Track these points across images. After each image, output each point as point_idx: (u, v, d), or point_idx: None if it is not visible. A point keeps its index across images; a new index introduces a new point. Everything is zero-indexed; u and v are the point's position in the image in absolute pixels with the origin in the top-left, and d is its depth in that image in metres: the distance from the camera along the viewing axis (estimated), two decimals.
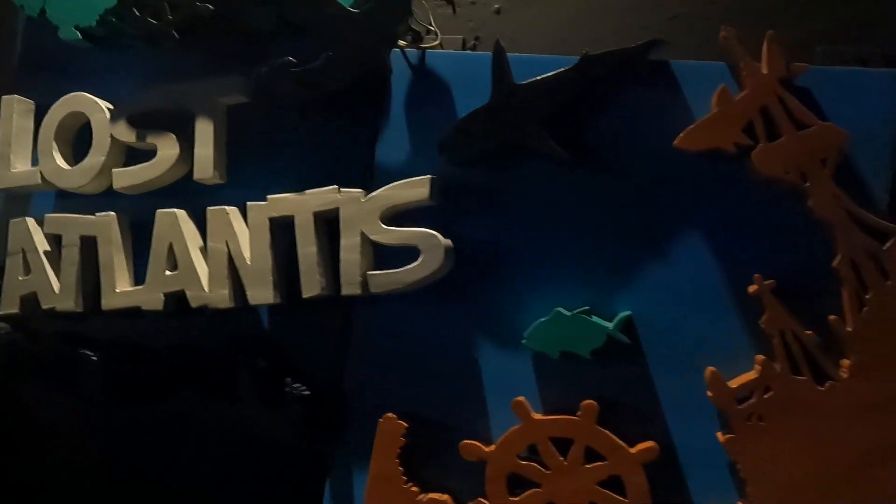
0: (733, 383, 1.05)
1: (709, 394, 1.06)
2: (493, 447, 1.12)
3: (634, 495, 1.07)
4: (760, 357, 1.04)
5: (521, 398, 1.12)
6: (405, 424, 1.16)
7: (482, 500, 1.12)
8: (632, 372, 1.11)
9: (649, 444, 1.08)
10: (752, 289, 1.05)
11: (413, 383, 1.19)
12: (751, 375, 1.05)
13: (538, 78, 1.12)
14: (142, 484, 1.28)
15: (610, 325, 1.08)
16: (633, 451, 1.07)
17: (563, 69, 1.11)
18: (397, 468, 1.15)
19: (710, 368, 1.06)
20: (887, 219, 1.01)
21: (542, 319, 1.11)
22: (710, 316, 1.08)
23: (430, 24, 1.25)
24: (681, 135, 1.06)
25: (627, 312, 1.11)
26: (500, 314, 1.16)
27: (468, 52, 1.27)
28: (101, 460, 1.30)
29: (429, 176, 1.14)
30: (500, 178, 1.17)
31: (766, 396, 1.03)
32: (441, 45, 1.24)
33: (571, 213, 1.14)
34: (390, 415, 1.16)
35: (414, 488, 1.15)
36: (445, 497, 1.15)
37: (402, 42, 1.21)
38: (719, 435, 1.06)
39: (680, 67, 1.11)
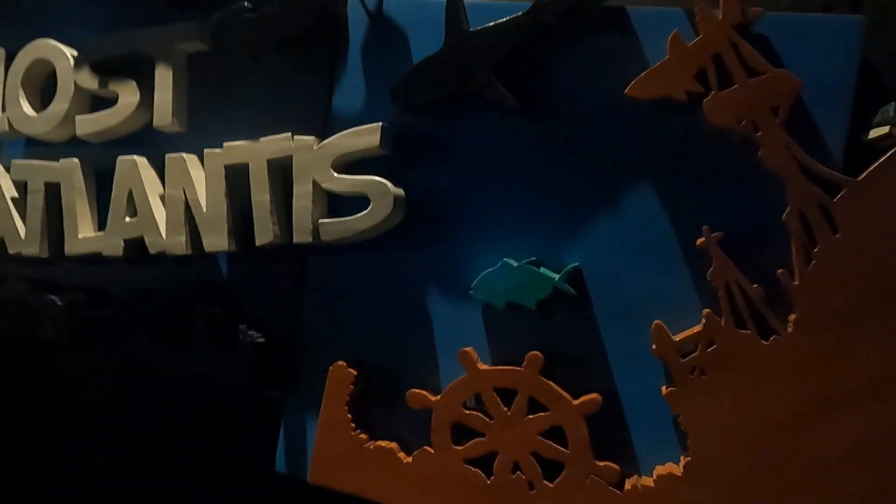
0: (678, 337, 1.04)
1: (653, 347, 1.04)
2: (438, 397, 1.12)
3: (575, 446, 1.06)
4: (707, 311, 1.02)
5: (467, 349, 1.12)
6: (354, 372, 1.16)
7: (428, 448, 1.13)
8: (578, 324, 1.10)
9: (592, 396, 1.07)
10: (699, 241, 1.03)
11: (364, 332, 1.20)
12: (695, 329, 1.03)
13: (490, 24, 1.10)
14: (100, 425, 1.31)
15: (556, 276, 1.07)
16: (575, 402, 1.07)
17: (515, 15, 1.09)
18: (346, 415, 1.16)
19: (657, 322, 1.04)
20: (840, 170, 0.98)
21: (490, 270, 1.10)
22: (659, 269, 1.06)
23: None
24: (632, 83, 1.04)
25: (575, 264, 1.10)
26: (450, 265, 1.15)
27: None
28: (62, 401, 1.33)
29: (379, 123, 1.13)
30: (452, 126, 1.15)
31: (709, 350, 1.02)
32: None
33: (522, 163, 1.12)
34: (340, 363, 1.17)
35: (362, 435, 1.16)
36: (393, 445, 1.16)
37: None
38: (663, 389, 1.05)
39: (636, 14, 1.07)
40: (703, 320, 1.02)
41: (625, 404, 1.09)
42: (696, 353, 1.02)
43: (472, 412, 1.11)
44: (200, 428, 1.28)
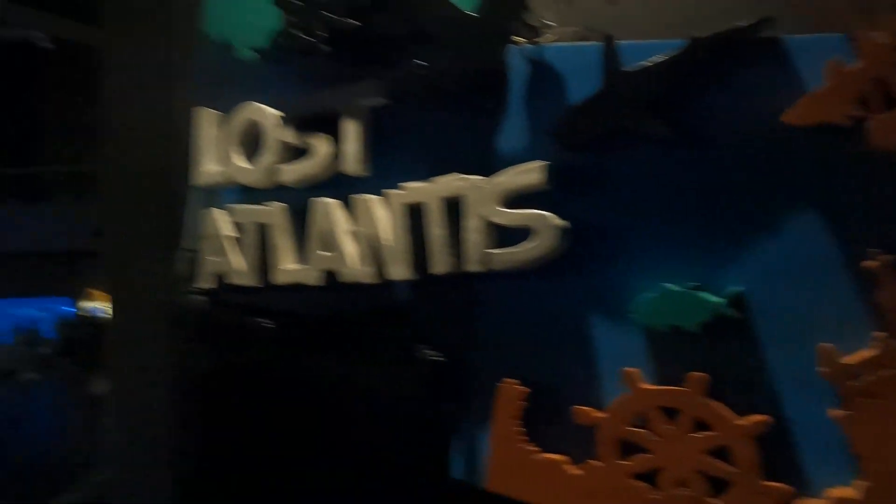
0: (847, 360, 1.04)
1: (821, 369, 1.06)
2: (604, 413, 1.20)
3: (743, 466, 1.10)
4: (880, 333, 1.03)
5: (631, 369, 1.19)
6: (524, 389, 1.27)
7: (594, 461, 1.21)
8: (742, 347, 1.13)
9: (760, 416, 1.10)
10: (869, 264, 1.03)
11: (530, 353, 1.30)
12: (867, 353, 1.03)
13: (646, 64, 1.17)
14: (298, 431, 1.51)
15: (718, 299, 1.12)
16: (741, 422, 1.10)
17: (670, 52, 1.15)
18: (517, 429, 1.27)
19: (824, 344, 1.06)
20: None
21: (651, 294, 1.17)
22: (823, 291, 1.08)
23: (545, 19, 1.34)
24: (790, 109, 1.07)
25: (739, 288, 1.13)
26: (610, 289, 1.23)
27: (581, 42, 1.34)
28: (267, 409, 1.55)
29: (542, 162, 1.24)
30: (611, 161, 1.23)
31: (882, 374, 1.01)
32: (555, 38, 1.33)
33: (680, 192, 1.18)
34: (510, 380, 1.28)
35: (532, 447, 1.26)
36: (561, 457, 1.25)
37: (518, 39, 1.31)
38: (833, 411, 1.06)
39: (789, 42, 1.10)
40: (874, 343, 1.02)
41: (790, 426, 1.10)
42: (867, 377, 1.02)
43: (637, 429, 1.17)
44: (381, 437, 1.44)
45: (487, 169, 1.32)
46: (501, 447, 1.28)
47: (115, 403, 1.92)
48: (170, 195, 1.75)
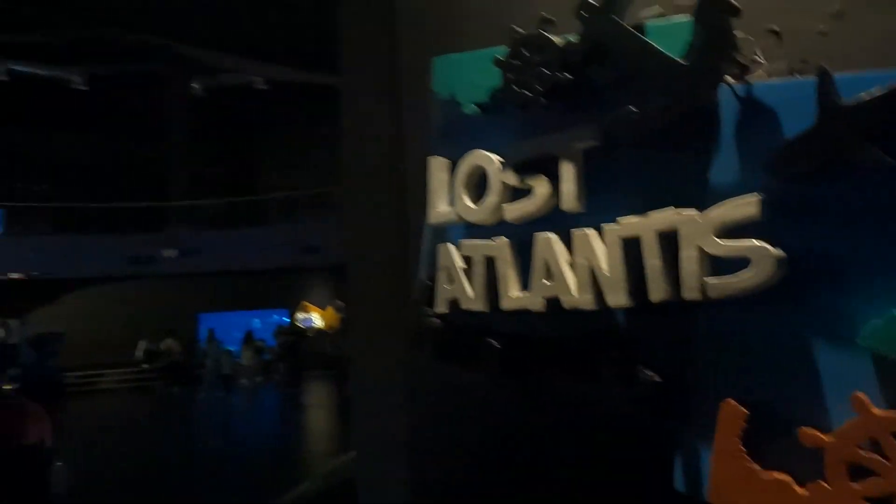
0: None
1: None
2: (831, 436, 1.24)
3: None
4: None
5: (860, 393, 1.22)
6: (745, 410, 1.34)
7: (822, 482, 1.25)
8: None
9: None
10: None
11: (750, 375, 1.37)
12: None
13: (865, 97, 1.20)
14: (522, 445, 1.69)
15: None
16: None
17: (890, 85, 1.18)
18: (739, 447, 1.34)
19: None
20: None
21: (879, 320, 1.19)
22: None
23: (755, 56, 1.41)
24: None
25: None
26: (833, 315, 1.27)
27: (794, 78, 1.39)
28: (495, 423, 1.75)
29: (757, 195, 1.31)
30: (826, 189, 1.27)
31: None
32: (766, 74, 1.39)
33: None
34: (731, 401, 1.36)
35: (755, 466, 1.33)
36: (787, 477, 1.30)
37: (728, 78, 1.39)
38: None
39: None
40: None
41: None
42: None
43: (869, 453, 1.20)
44: (605, 452, 1.57)
45: (700, 203, 1.41)
46: (723, 464, 1.36)
47: (357, 409, 2.25)
48: (405, 229, 2.03)
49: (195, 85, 14.75)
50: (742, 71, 1.41)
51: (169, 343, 11.99)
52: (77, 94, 14.06)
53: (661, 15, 1.57)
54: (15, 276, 12.90)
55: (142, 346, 12.33)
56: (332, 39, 2.30)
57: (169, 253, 13.35)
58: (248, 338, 13.12)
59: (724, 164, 1.41)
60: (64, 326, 11.14)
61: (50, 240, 13.20)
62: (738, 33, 1.35)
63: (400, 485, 2.07)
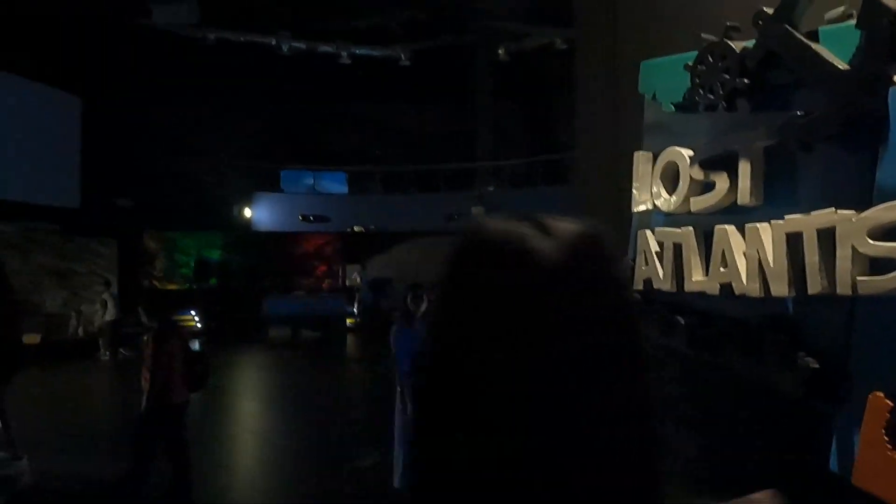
0: None
1: None
2: None
3: None
4: None
5: None
6: (890, 403, 1.42)
7: None
8: None
9: None
10: None
11: None
12: None
13: None
14: (695, 408, 1.90)
15: None
16: None
17: None
18: (883, 437, 1.43)
19: None
20: None
21: None
22: None
23: None
24: None
25: None
26: None
27: None
28: (680, 391, 1.98)
29: None
30: None
31: None
32: None
33: None
34: (878, 393, 1.44)
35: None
36: None
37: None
38: None
39: None
40: None
41: None
42: None
43: None
44: (766, 426, 1.72)
45: (863, 203, 1.47)
46: (868, 451, 1.45)
47: None
48: (616, 214, 2.31)
49: (500, 51, 15.79)
50: None
51: None
52: (402, 69, 16.09)
53: (847, 16, 1.60)
54: (357, 229, 15.56)
55: None
56: None
57: (477, 210, 14.77)
58: None
59: (892, 167, 1.45)
60: (392, 274, 13.27)
61: (381, 199, 15.57)
62: None
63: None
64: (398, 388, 3.15)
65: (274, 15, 14.08)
